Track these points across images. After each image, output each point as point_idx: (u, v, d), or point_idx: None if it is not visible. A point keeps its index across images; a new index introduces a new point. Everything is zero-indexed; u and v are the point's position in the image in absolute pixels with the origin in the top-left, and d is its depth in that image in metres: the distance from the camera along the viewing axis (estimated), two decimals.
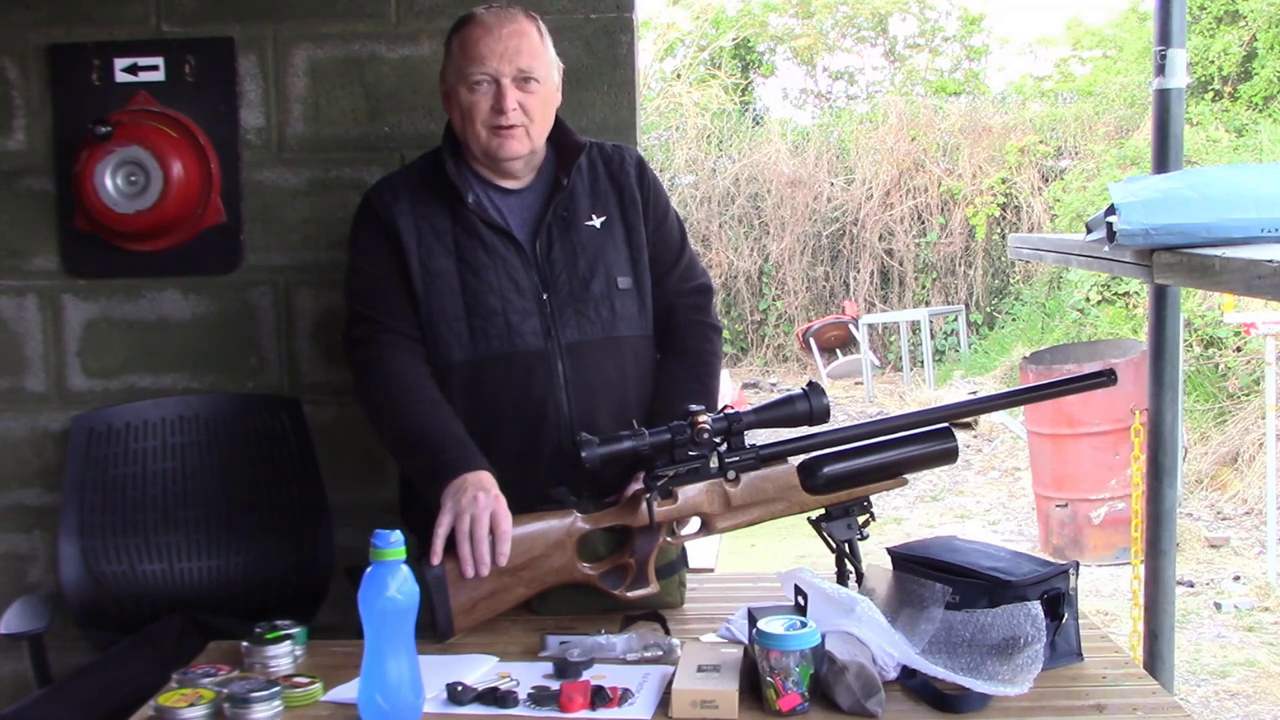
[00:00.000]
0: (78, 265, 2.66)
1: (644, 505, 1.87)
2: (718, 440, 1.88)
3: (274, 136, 2.63)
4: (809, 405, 1.88)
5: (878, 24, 14.55)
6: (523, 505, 1.86)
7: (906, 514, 6.87)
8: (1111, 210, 1.78)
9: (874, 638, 1.66)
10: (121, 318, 2.67)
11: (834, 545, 1.94)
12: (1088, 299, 9.12)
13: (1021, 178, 11.55)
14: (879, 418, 2.25)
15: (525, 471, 1.98)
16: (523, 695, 1.64)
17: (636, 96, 2.59)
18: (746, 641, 1.67)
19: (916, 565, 1.82)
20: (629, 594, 1.89)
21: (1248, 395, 6.92)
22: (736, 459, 1.90)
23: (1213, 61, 10.72)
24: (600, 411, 2.03)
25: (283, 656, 1.79)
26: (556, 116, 2.11)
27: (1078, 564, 1.80)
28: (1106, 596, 5.26)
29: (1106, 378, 1.98)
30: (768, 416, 1.89)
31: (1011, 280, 11.57)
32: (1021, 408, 6.59)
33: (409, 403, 1.98)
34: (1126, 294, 8.85)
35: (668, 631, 1.87)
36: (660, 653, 1.77)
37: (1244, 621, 4.90)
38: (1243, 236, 1.68)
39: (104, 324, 2.67)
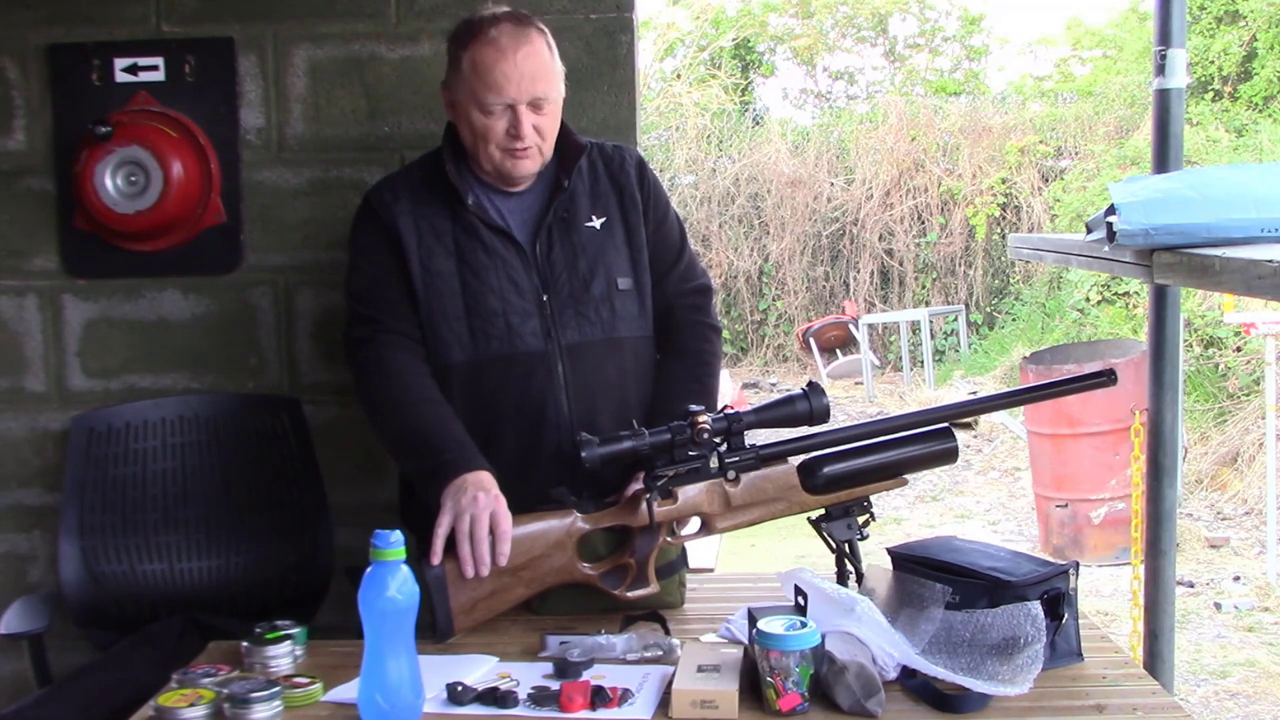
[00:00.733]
0: (78, 265, 2.66)
1: (644, 505, 1.87)
2: (718, 440, 1.88)
3: (274, 136, 2.63)
4: (809, 405, 1.88)
5: (878, 24, 14.55)
6: (523, 505, 1.86)
7: (906, 514, 6.87)
8: (1111, 210, 1.78)
9: (874, 638, 1.66)
10: (121, 318, 2.67)
11: (834, 545, 1.94)
12: (1088, 299, 9.12)
13: (1021, 178, 11.55)
14: (879, 418, 2.25)
15: (525, 472, 1.98)
16: (523, 695, 1.64)
17: (636, 96, 2.59)
18: (746, 641, 1.67)
19: (916, 565, 1.82)
20: (629, 594, 1.89)
21: (1248, 395, 6.92)
22: (736, 459, 1.90)
23: (1213, 61, 10.72)
24: (600, 412, 2.03)
25: (283, 656, 1.79)
26: None
27: (1078, 564, 1.80)
28: (1106, 596, 5.26)
29: (1106, 378, 1.98)
30: (768, 416, 1.89)
31: (1011, 280, 11.58)
32: (1021, 408, 6.59)
33: (409, 403, 1.98)
34: (1126, 294, 8.85)
35: (668, 631, 1.87)
36: (660, 653, 1.77)
37: (1244, 621, 4.90)
38: (1243, 236, 1.68)
39: (104, 324, 2.67)
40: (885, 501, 6.58)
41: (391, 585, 1.54)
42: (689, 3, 13.64)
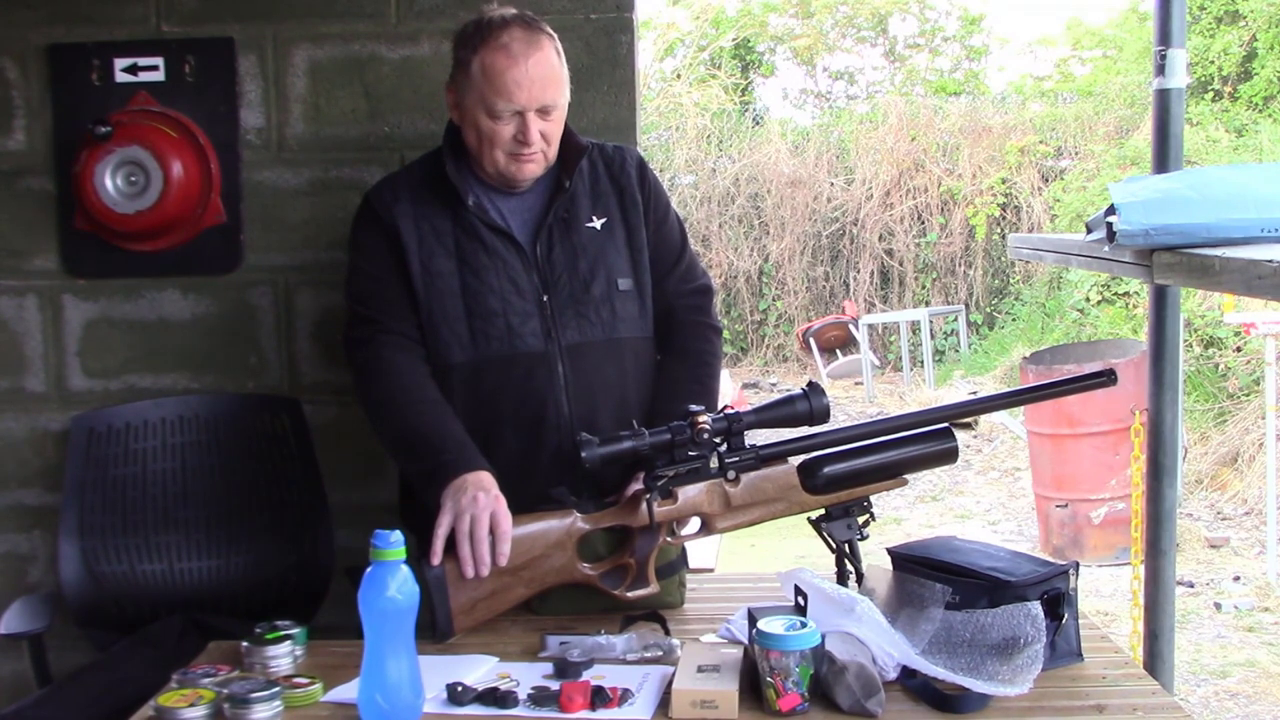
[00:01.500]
0: (78, 265, 2.66)
1: (644, 505, 1.87)
2: (718, 440, 1.88)
3: (274, 136, 2.63)
4: (809, 405, 1.88)
5: (878, 24, 14.55)
6: (523, 505, 1.86)
7: (906, 514, 6.87)
8: (1111, 210, 1.78)
9: (874, 638, 1.66)
10: (121, 318, 2.67)
11: (834, 545, 1.94)
12: (1088, 299, 9.12)
13: (1021, 178, 11.55)
14: (879, 418, 2.25)
15: (525, 472, 1.98)
16: (523, 695, 1.64)
17: (636, 96, 2.59)
18: (746, 641, 1.67)
19: (916, 565, 1.82)
20: (629, 594, 1.89)
21: (1248, 395, 6.92)
22: (736, 459, 1.90)
23: (1213, 61, 10.72)
24: (600, 412, 2.03)
25: (283, 656, 1.79)
26: None
27: (1078, 564, 1.80)
28: (1106, 596, 5.26)
29: (1106, 378, 1.98)
30: (768, 416, 1.89)
31: (1011, 280, 11.58)
32: (1021, 408, 6.59)
33: (409, 403, 1.98)
34: (1126, 294, 8.85)
35: (668, 631, 1.87)
36: (660, 653, 1.77)
37: (1244, 622, 4.91)
38: (1243, 236, 1.67)
39: (104, 324, 2.67)
40: (885, 501, 6.58)
41: (391, 585, 1.54)
42: (689, 3, 13.64)
